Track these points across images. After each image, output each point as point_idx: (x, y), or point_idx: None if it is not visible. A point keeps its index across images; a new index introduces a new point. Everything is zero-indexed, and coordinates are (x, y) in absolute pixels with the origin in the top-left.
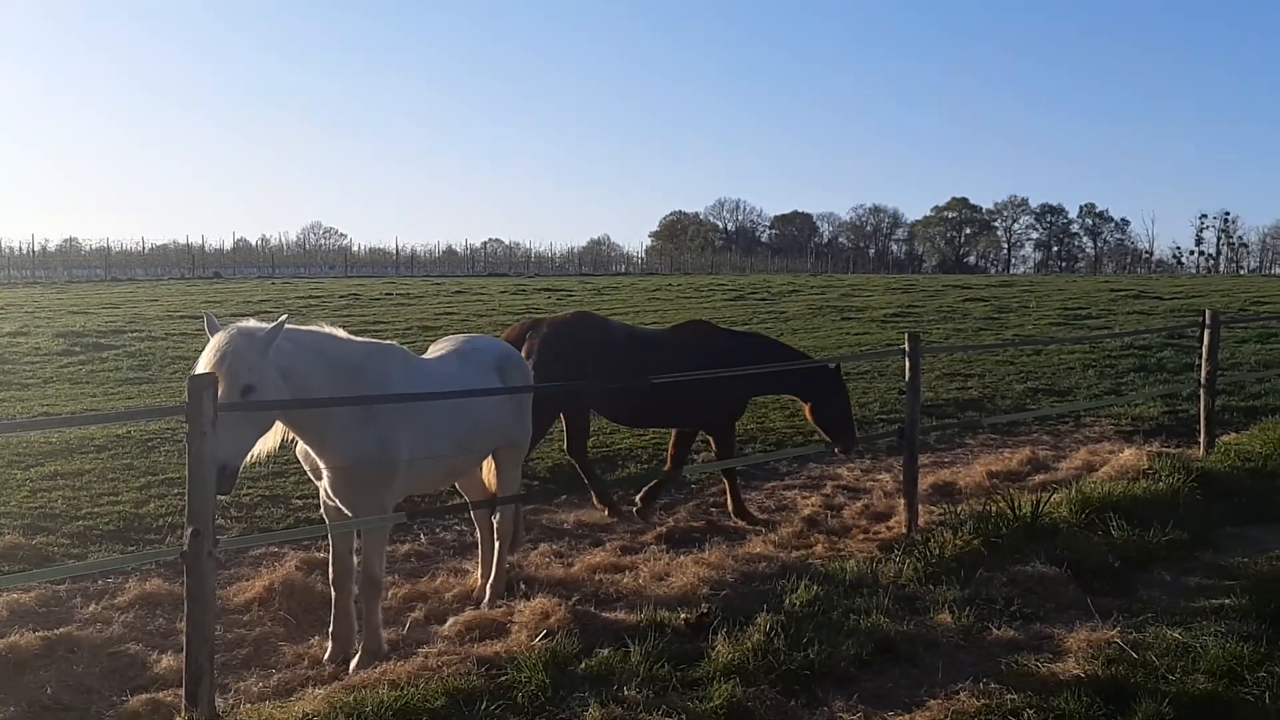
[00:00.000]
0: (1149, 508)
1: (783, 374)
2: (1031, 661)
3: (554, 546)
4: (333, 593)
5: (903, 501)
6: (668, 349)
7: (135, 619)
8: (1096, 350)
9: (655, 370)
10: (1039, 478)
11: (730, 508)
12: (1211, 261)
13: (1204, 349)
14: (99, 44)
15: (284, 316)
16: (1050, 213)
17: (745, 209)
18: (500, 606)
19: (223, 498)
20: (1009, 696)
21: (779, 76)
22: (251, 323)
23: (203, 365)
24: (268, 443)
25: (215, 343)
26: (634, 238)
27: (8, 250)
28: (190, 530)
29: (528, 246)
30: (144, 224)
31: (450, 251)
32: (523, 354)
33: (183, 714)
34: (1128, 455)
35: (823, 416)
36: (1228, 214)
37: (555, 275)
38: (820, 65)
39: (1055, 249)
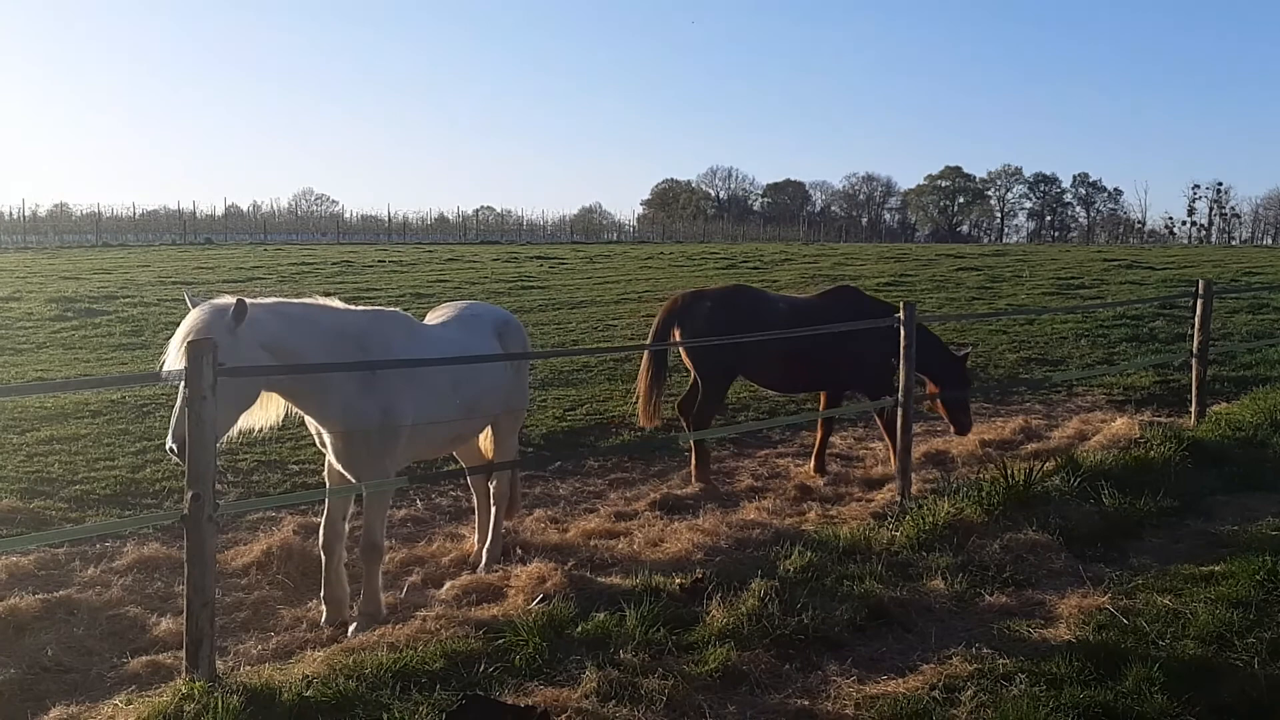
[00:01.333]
0: (1140, 476)
1: (933, 358)
2: (1023, 627)
3: (549, 512)
4: (322, 556)
5: (895, 469)
6: (820, 315)
7: (134, 582)
8: (1089, 320)
9: (811, 338)
10: (1031, 446)
11: (811, 463)
12: (1204, 232)
13: (1196, 319)
14: (90, 9)
15: (239, 297)
16: (1044, 182)
17: (737, 177)
18: (497, 571)
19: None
20: (1001, 661)
21: (772, 43)
22: (225, 299)
23: (173, 344)
24: (268, 417)
25: (186, 320)
26: (626, 206)
27: None
28: (190, 494)
29: (519, 214)
30: (135, 190)
31: (442, 219)
32: (686, 326)
33: (183, 676)
34: (1120, 424)
35: (949, 400)
36: (1220, 184)
37: (547, 243)
38: (813, 31)
39: (1048, 218)
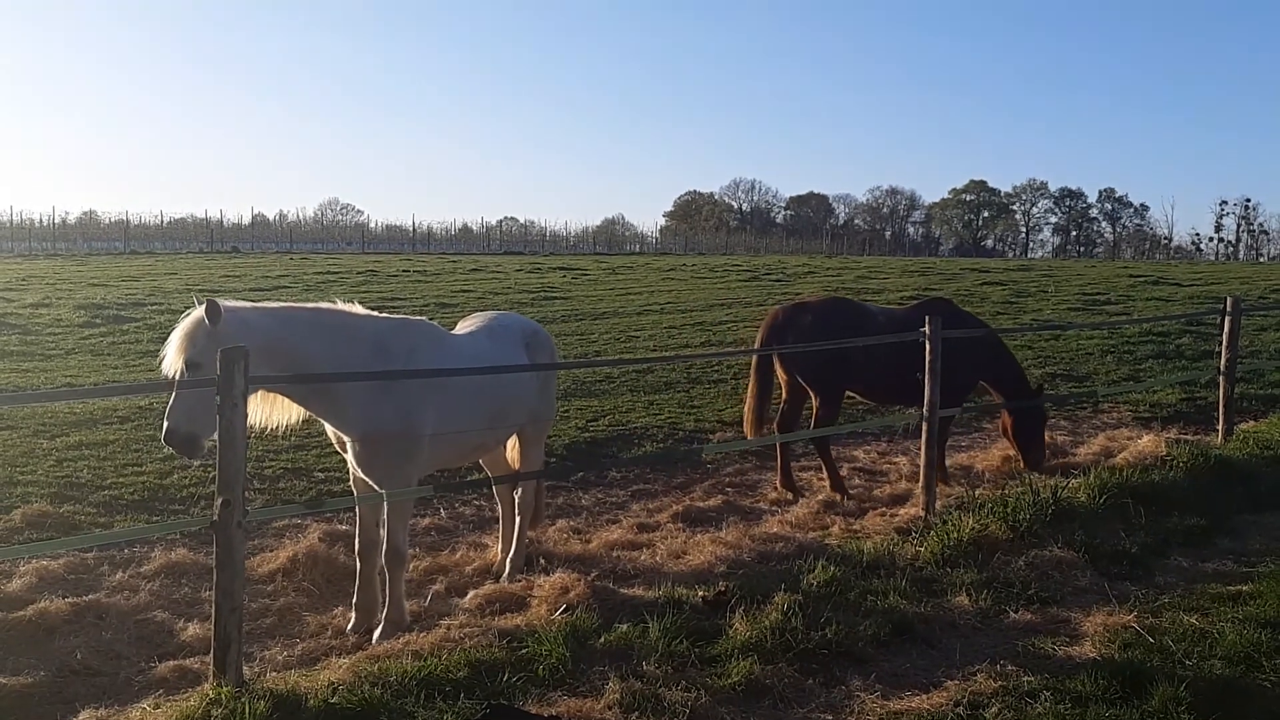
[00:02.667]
0: (1167, 494)
1: (1009, 374)
2: (1048, 644)
3: (571, 523)
4: (358, 564)
5: (920, 484)
6: (917, 327)
7: (161, 587)
8: (1115, 336)
9: (912, 349)
10: (1057, 462)
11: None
12: (1231, 248)
13: (1224, 336)
14: (121, 16)
15: (210, 300)
16: (1069, 197)
17: (761, 189)
18: (520, 581)
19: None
20: (1026, 678)
21: (797, 56)
22: (230, 302)
23: (169, 344)
24: (289, 416)
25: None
26: (648, 217)
27: (29, 222)
28: (220, 500)
29: (542, 225)
30: (162, 198)
31: (466, 229)
32: (791, 340)
33: (210, 681)
34: (1146, 441)
35: (1022, 432)
36: (1248, 200)
37: (570, 254)
38: (839, 45)
39: (1074, 233)
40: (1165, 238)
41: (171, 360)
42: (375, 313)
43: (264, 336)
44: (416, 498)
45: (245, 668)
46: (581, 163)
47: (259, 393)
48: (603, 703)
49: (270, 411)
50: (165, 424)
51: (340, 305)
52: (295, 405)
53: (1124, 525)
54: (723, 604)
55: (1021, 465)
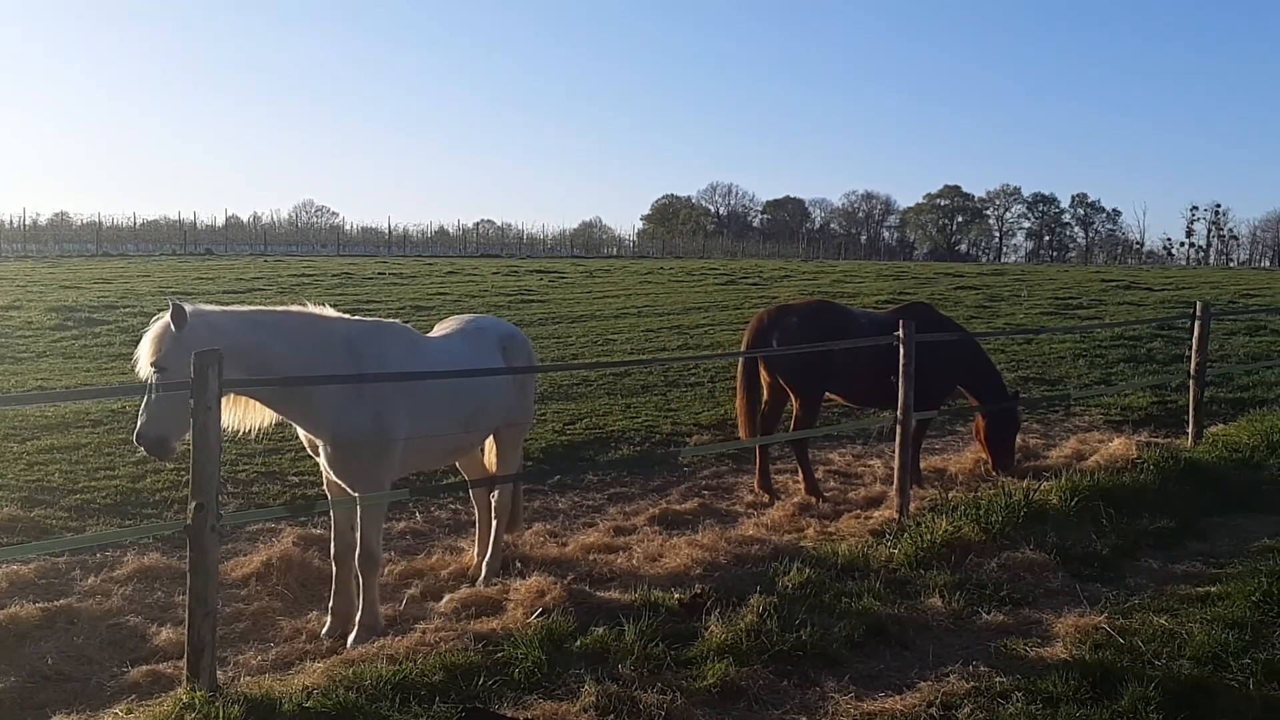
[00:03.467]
0: (1137, 496)
1: (986, 380)
2: (1020, 645)
3: (548, 526)
4: (334, 568)
5: (894, 487)
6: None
7: (134, 592)
8: (1087, 340)
9: (894, 353)
10: (1029, 465)
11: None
12: (1201, 253)
13: (1194, 340)
14: (92, 17)
15: (175, 304)
16: (1042, 202)
17: (737, 193)
18: (496, 584)
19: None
20: (998, 679)
21: (774, 60)
22: (198, 306)
23: (140, 348)
24: (261, 420)
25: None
26: (625, 221)
27: None
28: (194, 504)
29: (519, 228)
30: (135, 200)
31: (442, 232)
32: (773, 339)
33: (184, 685)
34: (1117, 444)
35: (994, 436)
36: (1219, 206)
37: (547, 257)
38: (815, 49)
39: (1047, 238)
40: (1137, 243)
41: (141, 364)
42: (347, 315)
43: (232, 340)
44: (390, 501)
45: (219, 672)
46: (559, 166)
47: (229, 396)
48: (578, 705)
49: (242, 415)
50: (137, 425)
51: (311, 308)
52: (266, 408)
53: (1095, 527)
54: (699, 607)
55: (990, 468)
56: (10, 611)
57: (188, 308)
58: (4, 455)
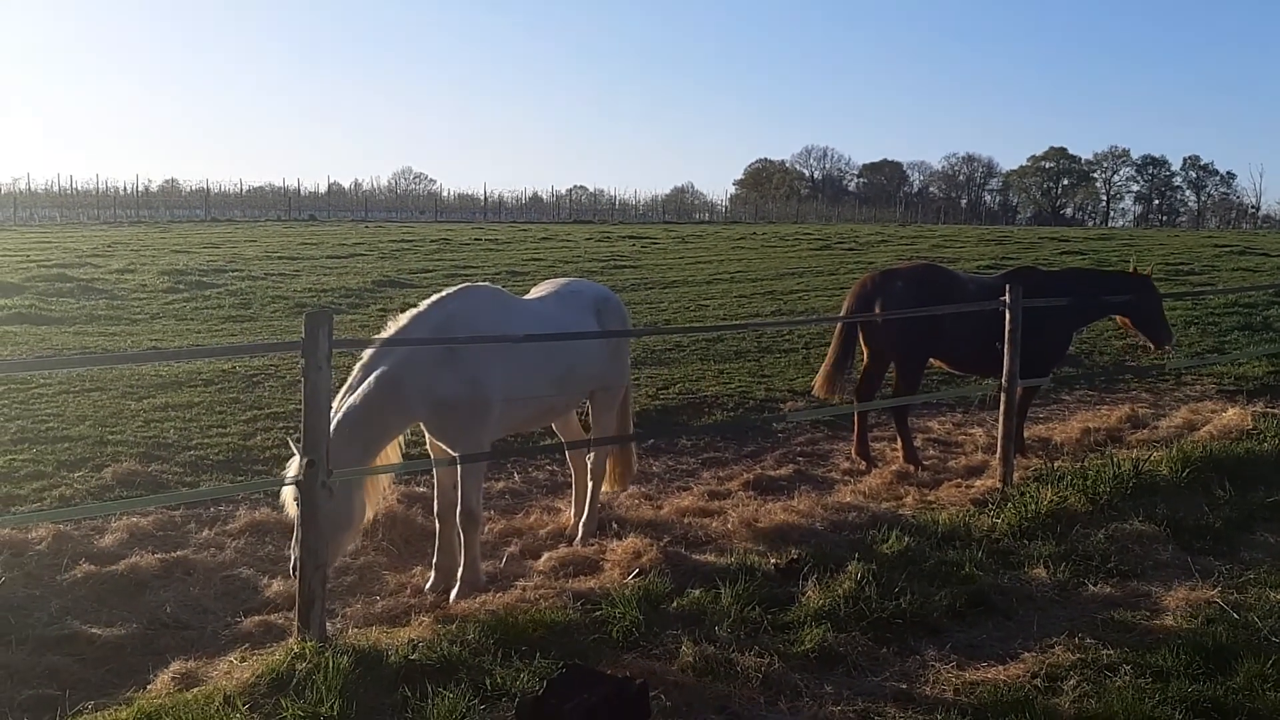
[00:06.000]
0: (1252, 468)
1: (1107, 298)
2: (1129, 618)
3: (643, 489)
4: (437, 525)
5: (998, 455)
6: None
7: (246, 545)
8: (1199, 307)
9: (999, 318)
10: (1138, 435)
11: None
12: None
13: None
14: None
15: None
16: (1152, 164)
17: (832, 157)
18: (593, 545)
19: None
20: (1105, 652)
21: (870, 22)
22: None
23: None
24: None
25: None
26: (718, 186)
27: (113, 190)
28: (305, 460)
29: (612, 194)
30: (242, 166)
31: (536, 198)
32: (876, 305)
33: (294, 636)
34: (1231, 414)
35: (1143, 321)
36: None
37: (639, 223)
38: (912, 8)
39: (1156, 202)
40: (1252, 206)
41: (288, 508)
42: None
43: (357, 420)
44: (489, 461)
45: (328, 624)
46: (651, 131)
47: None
48: (676, 666)
49: None
50: (292, 557)
51: (393, 324)
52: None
53: (1207, 499)
54: (795, 572)
55: (1154, 350)
56: (131, 561)
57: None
58: (122, 413)
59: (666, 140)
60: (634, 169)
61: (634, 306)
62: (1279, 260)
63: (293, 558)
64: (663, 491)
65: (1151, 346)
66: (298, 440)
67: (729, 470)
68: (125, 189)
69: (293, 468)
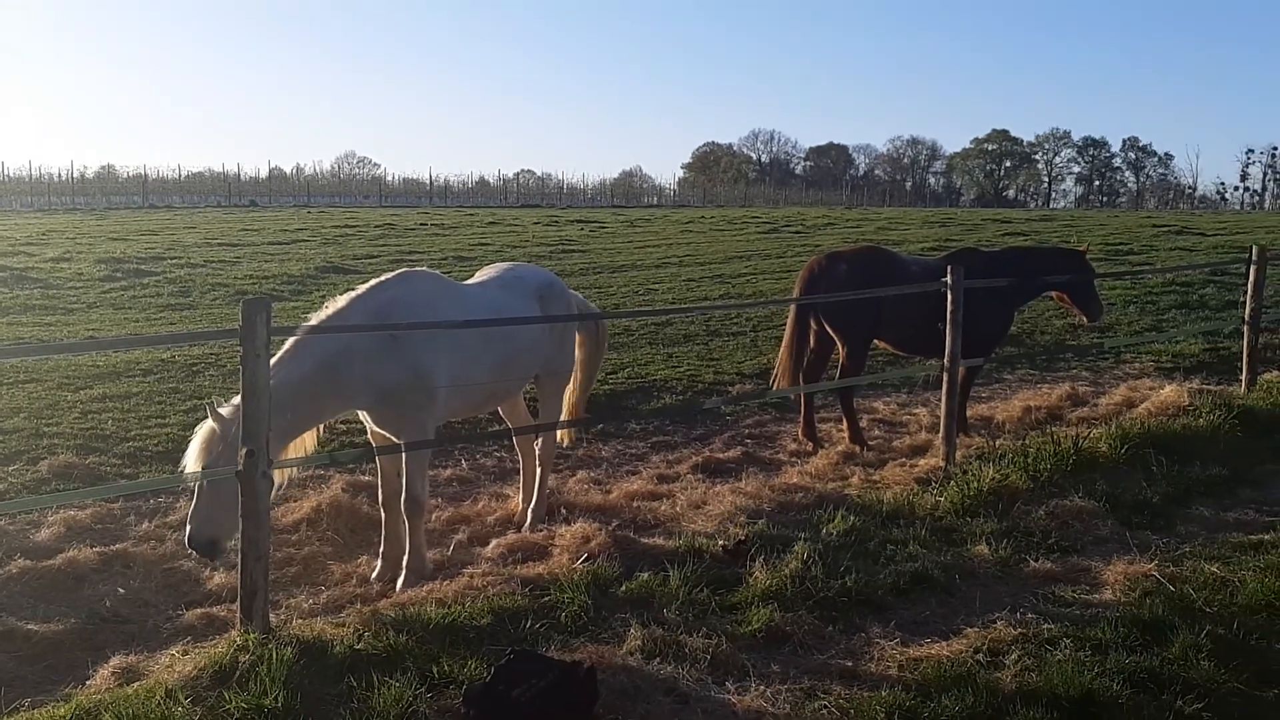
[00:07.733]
0: (1189, 444)
1: (1046, 277)
2: (1069, 593)
3: (592, 474)
4: (382, 514)
5: (940, 435)
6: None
7: None
8: (1138, 286)
9: (942, 299)
10: (1078, 413)
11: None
12: (1257, 198)
13: (1249, 285)
14: None
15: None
16: (1092, 146)
17: (780, 140)
18: (542, 530)
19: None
20: (1046, 626)
21: (817, 4)
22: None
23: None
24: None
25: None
26: (666, 170)
27: (47, 177)
28: (245, 450)
29: (559, 178)
30: (180, 152)
31: (483, 182)
32: (822, 286)
33: (237, 628)
34: (1168, 392)
35: (1079, 297)
36: (1275, 149)
37: (587, 207)
38: None
39: (1097, 183)
40: (1190, 187)
41: (190, 467)
42: (376, 277)
43: (288, 394)
44: (434, 448)
45: (272, 615)
46: (598, 115)
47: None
48: (625, 649)
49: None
50: (188, 528)
51: (330, 305)
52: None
53: (1145, 475)
54: (743, 553)
55: (1087, 323)
56: (69, 555)
57: (224, 411)
58: (59, 404)
59: (614, 123)
60: (582, 153)
61: (583, 291)
62: (1215, 240)
63: (188, 530)
64: (611, 476)
65: (1085, 320)
66: (215, 404)
67: (678, 454)
68: (60, 175)
69: (203, 430)
